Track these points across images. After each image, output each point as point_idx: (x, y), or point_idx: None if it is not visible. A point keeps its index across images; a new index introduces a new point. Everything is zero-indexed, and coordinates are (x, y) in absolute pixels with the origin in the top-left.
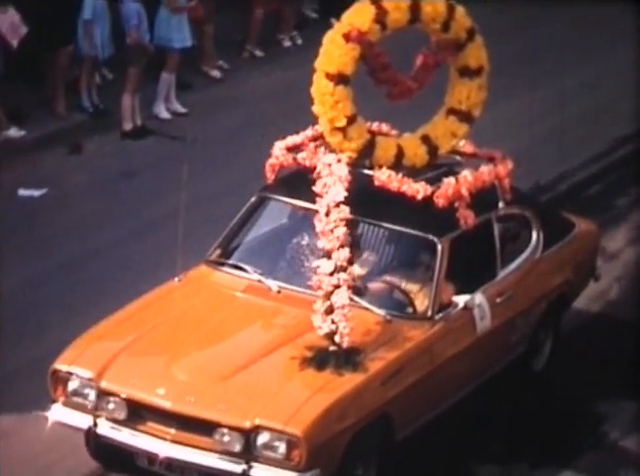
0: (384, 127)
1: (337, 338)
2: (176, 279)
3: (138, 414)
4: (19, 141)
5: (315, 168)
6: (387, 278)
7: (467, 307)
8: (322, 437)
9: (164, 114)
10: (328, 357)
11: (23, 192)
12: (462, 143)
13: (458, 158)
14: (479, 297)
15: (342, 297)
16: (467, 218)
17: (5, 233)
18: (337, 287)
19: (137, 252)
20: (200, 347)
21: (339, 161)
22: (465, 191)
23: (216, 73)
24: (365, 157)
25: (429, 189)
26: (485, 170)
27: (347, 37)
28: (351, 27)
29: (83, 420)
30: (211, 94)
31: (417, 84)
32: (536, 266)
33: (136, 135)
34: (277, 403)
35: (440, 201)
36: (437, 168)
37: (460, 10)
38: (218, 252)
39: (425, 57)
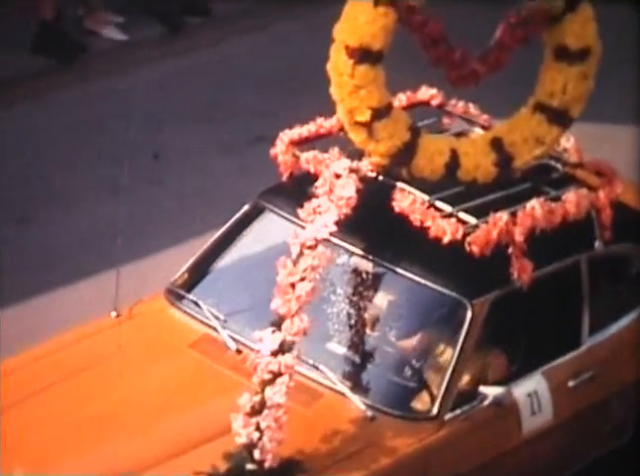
0: (472, 109)
1: (257, 454)
2: (114, 313)
3: None
4: None
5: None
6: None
7: (498, 404)
8: None
9: None
10: None
11: None
12: (569, 144)
13: (559, 166)
14: (531, 384)
15: (279, 392)
16: (521, 271)
17: None
18: (277, 375)
19: None
20: (83, 435)
21: (352, 172)
22: (520, 236)
23: None
24: (399, 164)
25: (460, 231)
26: (573, 198)
27: None
28: None
29: None
30: None
31: (486, 67)
32: None
33: None
34: None
35: (474, 249)
36: (517, 183)
37: None
38: (185, 277)
39: (504, 30)
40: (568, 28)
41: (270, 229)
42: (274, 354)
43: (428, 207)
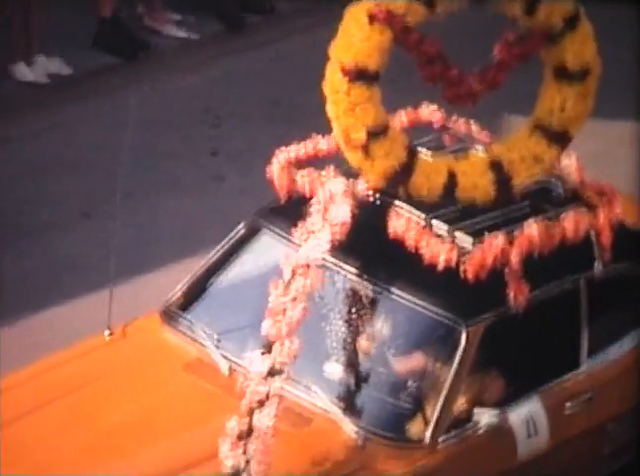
0: (473, 128)
1: None
2: (107, 332)
3: None
4: None
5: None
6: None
7: (493, 427)
8: None
9: None
10: None
11: None
12: (570, 163)
13: (559, 185)
14: (527, 407)
15: (267, 416)
16: (518, 294)
17: None
18: (265, 399)
19: None
20: (73, 455)
21: (348, 192)
22: (516, 258)
23: None
24: (396, 183)
25: (454, 254)
26: (572, 218)
27: (372, 16)
28: (378, 3)
29: None
30: None
31: (484, 86)
32: None
33: None
34: None
35: (469, 273)
36: (517, 202)
37: None
38: (180, 297)
39: (502, 48)
40: (567, 47)
41: (267, 249)
42: (264, 377)
43: (423, 229)
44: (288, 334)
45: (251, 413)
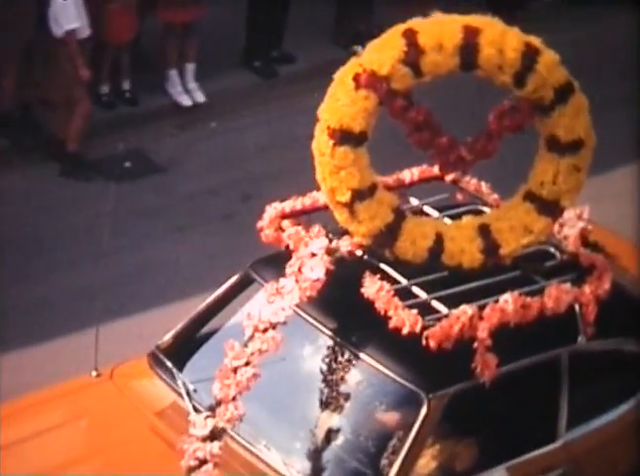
0: (484, 188)
1: None
2: (94, 372)
3: None
4: None
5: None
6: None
7: None
8: None
9: None
10: None
11: None
12: (571, 232)
13: (557, 254)
14: None
15: None
16: (484, 367)
17: None
18: (202, 462)
19: None
20: None
21: (329, 252)
22: (484, 331)
23: None
24: (381, 245)
25: (419, 324)
26: (554, 292)
27: (357, 81)
28: (362, 67)
29: None
30: None
31: (474, 155)
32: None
33: None
34: None
35: (431, 344)
36: (507, 270)
37: (547, 57)
38: (169, 343)
39: (493, 118)
40: (558, 119)
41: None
42: (204, 440)
43: (392, 297)
44: (234, 398)
45: (188, 474)
